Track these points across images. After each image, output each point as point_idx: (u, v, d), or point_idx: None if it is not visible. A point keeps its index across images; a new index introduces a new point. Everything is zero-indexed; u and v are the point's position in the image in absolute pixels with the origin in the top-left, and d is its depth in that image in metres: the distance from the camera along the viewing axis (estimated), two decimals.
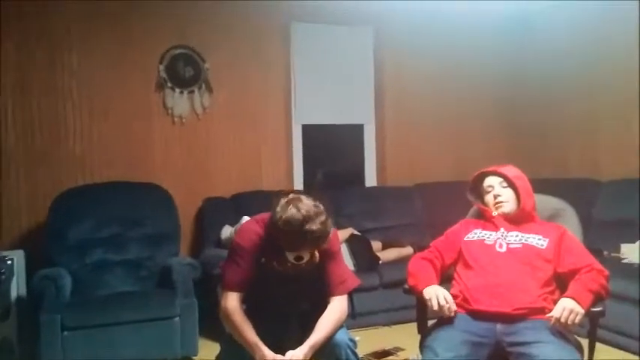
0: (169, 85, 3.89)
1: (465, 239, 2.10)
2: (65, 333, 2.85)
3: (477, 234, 2.10)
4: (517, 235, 2.03)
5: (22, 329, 3.13)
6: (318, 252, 1.95)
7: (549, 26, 4.60)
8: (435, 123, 4.69)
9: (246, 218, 3.02)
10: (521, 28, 4.79)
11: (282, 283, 1.97)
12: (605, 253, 3.44)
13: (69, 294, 3.01)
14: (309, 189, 4.42)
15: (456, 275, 2.07)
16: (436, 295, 1.89)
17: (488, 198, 2.15)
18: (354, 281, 2.05)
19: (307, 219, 1.76)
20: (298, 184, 4.41)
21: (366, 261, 3.71)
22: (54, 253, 3.21)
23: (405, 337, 3.13)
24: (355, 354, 1.94)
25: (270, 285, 1.98)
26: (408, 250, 3.85)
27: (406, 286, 2.06)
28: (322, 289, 1.97)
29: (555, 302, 1.83)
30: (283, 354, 1.85)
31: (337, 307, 1.94)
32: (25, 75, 3.56)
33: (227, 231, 3.63)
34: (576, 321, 1.75)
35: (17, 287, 3.22)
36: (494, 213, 2.11)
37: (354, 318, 3.39)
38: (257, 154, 4.19)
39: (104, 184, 3.62)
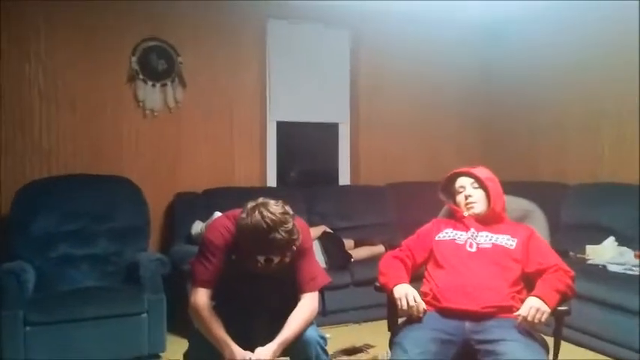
0: (141, 77, 3.81)
1: (436, 238, 2.12)
2: (28, 329, 2.76)
3: (448, 234, 2.12)
4: (487, 236, 2.06)
5: None
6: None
7: (522, 34, 4.69)
8: (409, 124, 4.74)
9: (217, 214, 2.99)
10: (494, 34, 4.87)
11: (252, 279, 1.95)
12: (571, 254, 3.52)
13: (32, 289, 2.92)
14: (282, 186, 4.41)
15: (426, 274, 2.09)
16: (405, 294, 1.90)
17: (460, 198, 2.17)
18: (325, 278, 2.04)
19: (272, 228, 1.76)
20: (271, 180, 4.38)
21: (338, 259, 3.72)
22: (17, 247, 3.12)
23: (375, 334, 3.14)
24: (325, 351, 1.93)
25: (240, 282, 1.96)
26: (379, 248, 3.88)
27: (377, 284, 2.07)
28: (293, 286, 1.96)
29: (523, 301, 1.86)
30: (252, 351, 1.83)
31: (307, 304, 1.93)
32: None
33: (198, 226, 3.58)
34: (543, 319, 1.78)
35: None
36: (466, 213, 2.14)
37: (325, 315, 3.35)
38: (230, 150, 4.15)
39: (71, 176, 3.52)
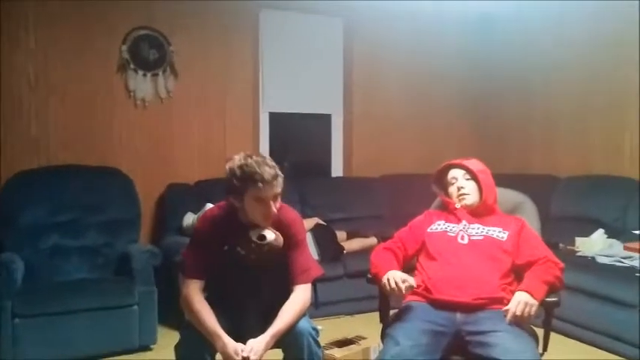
0: (132, 66, 3.77)
1: (428, 230, 2.13)
2: (16, 320, 2.74)
3: (440, 225, 2.12)
4: (479, 228, 2.06)
5: None
6: (284, 238, 1.94)
7: (515, 27, 4.69)
8: (402, 116, 4.73)
9: (209, 205, 2.97)
10: (487, 27, 4.87)
11: (244, 271, 1.95)
12: (561, 246, 3.56)
13: (21, 280, 2.89)
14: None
15: (418, 266, 2.09)
16: (393, 277, 1.87)
17: (452, 189, 2.18)
18: (318, 270, 2.04)
19: (259, 163, 1.84)
20: None
21: (330, 251, 3.72)
22: (5, 238, 3.09)
23: (367, 326, 3.15)
24: (317, 343, 1.93)
25: (232, 273, 1.95)
26: (372, 240, 3.88)
27: (369, 276, 2.07)
28: (285, 278, 1.95)
29: (513, 292, 1.87)
30: (244, 343, 1.82)
31: (300, 296, 1.93)
32: None
33: (189, 218, 3.56)
34: (531, 313, 1.80)
35: None
36: (458, 205, 2.14)
37: (317, 307, 3.39)
38: (222, 141, 4.12)
39: (60, 167, 3.48)
